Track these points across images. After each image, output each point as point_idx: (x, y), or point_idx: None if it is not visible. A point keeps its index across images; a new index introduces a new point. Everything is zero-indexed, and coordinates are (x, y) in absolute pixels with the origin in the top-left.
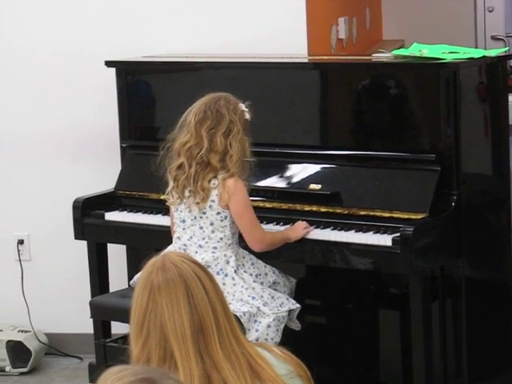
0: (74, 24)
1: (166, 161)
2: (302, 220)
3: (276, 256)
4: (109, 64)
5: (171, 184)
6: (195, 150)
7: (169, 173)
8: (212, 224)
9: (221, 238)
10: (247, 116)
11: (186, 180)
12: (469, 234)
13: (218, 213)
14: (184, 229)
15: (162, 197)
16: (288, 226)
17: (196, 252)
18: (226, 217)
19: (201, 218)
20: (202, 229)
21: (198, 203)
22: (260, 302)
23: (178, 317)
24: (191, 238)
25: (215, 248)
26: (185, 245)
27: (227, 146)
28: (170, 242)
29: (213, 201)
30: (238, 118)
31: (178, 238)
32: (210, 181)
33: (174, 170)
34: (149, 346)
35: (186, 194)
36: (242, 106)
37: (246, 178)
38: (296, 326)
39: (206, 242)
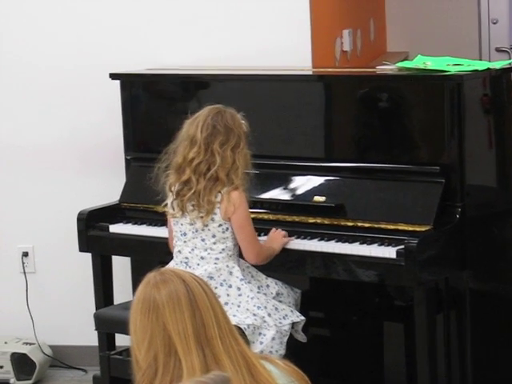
0: (78, 36)
1: (163, 174)
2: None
3: (277, 269)
4: (113, 76)
5: (171, 197)
6: (204, 166)
7: (168, 187)
8: (214, 236)
9: (223, 249)
10: (246, 128)
11: (193, 195)
12: (473, 246)
13: (220, 225)
14: (185, 242)
15: (161, 209)
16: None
17: (198, 264)
18: (227, 228)
19: (203, 230)
20: (204, 241)
21: (201, 217)
22: (265, 312)
23: (180, 314)
24: (193, 250)
25: (217, 259)
26: (186, 258)
27: (236, 160)
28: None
29: (215, 213)
30: (243, 132)
31: (179, 251)
32: (215, 195)
33: (178, 184)
34: (154, 346)
35: (190, 207)
36: (240, 119)
37: (246, 188)
38: (302, 337)
39: (208, 253)
